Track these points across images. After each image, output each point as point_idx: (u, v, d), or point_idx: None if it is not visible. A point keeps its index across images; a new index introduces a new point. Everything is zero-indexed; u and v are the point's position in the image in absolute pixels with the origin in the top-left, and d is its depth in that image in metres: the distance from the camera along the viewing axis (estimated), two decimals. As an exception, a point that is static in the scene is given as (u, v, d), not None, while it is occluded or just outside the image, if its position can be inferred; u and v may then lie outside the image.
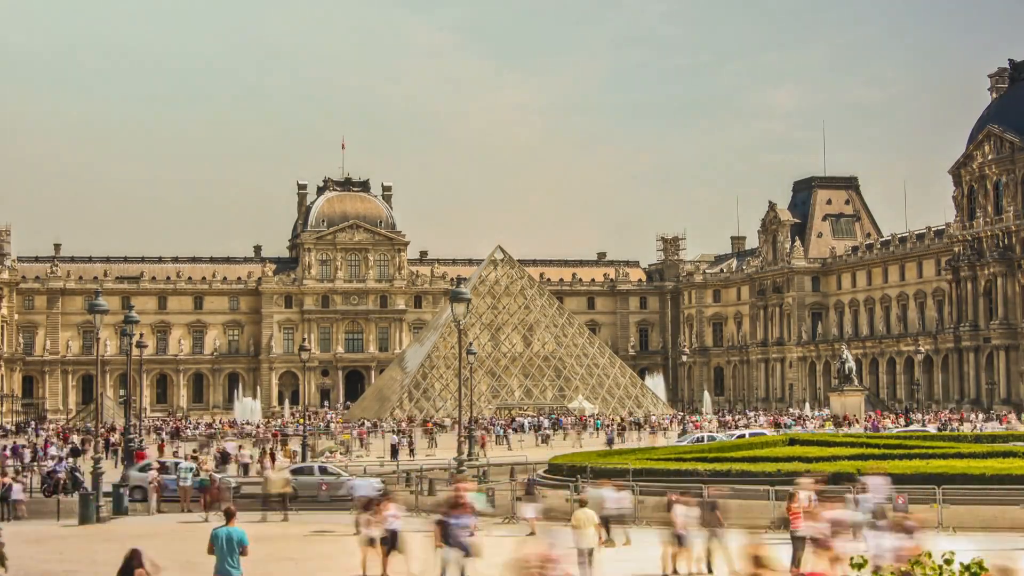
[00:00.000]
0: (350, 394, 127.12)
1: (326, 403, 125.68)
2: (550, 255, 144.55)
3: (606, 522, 23.15)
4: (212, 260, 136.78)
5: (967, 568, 9.62)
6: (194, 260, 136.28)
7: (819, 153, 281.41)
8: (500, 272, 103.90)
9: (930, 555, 10.11)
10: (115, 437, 62.62)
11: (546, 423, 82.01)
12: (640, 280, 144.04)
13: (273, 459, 46.58)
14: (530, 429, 78.81)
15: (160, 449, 57.48)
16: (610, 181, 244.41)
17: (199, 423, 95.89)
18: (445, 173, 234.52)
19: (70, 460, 48.77)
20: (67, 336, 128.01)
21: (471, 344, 75.69)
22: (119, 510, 33.84)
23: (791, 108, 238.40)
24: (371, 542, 21.67)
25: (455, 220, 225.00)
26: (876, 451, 39.58)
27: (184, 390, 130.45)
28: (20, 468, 46.08)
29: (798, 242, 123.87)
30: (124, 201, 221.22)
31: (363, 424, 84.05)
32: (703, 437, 58.93)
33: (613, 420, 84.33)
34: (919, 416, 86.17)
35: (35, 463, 50.20)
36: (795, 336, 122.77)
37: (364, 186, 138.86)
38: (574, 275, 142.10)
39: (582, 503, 21.72)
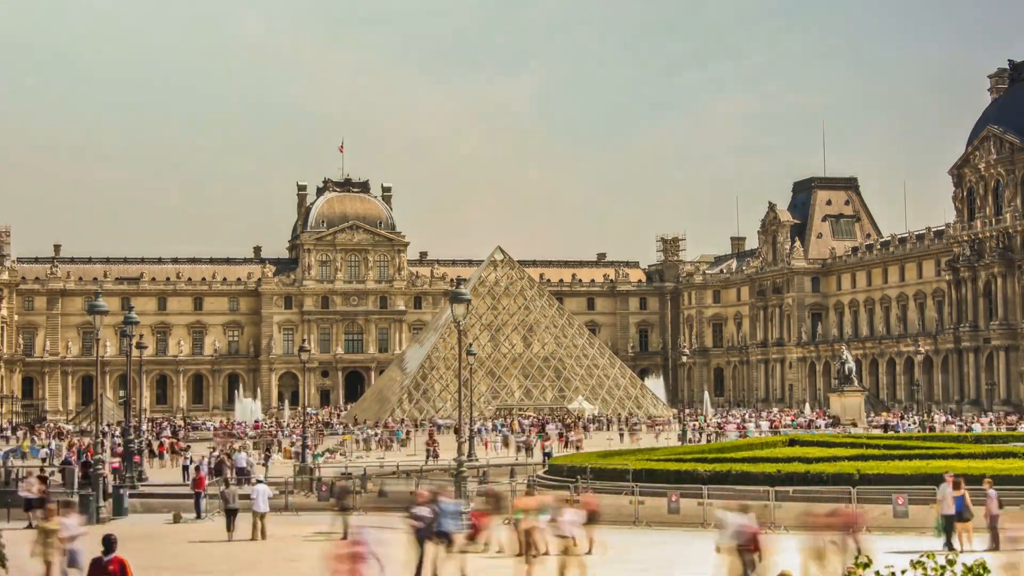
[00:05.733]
0: (350, 395, 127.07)
1: (326, 404, 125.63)
2: (550, 256, 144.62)
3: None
4: (212, 261, 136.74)
5: (969, 569, 9.61)
6: (194, 261, 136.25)
7: (819, 153, 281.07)
8: (500, 273, 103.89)
9: (932, 555, 10.10)
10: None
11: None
12: (640, 281, 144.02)
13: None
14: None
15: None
16: (610, 181, 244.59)
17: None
18: (445, 173, 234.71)
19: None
20: (67, 337, 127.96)
21: (471, 345, 75.53)
22: (119, 511, 33.85)
23: (791, 108, 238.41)
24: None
25: (455, 220, 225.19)
26: (876, 451, 39.47)
27: (184, 391, 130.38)
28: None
29: (798, 243, 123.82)
30: (124, 202, 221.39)
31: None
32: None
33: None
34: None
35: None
36: (795, 337, 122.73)
37: (364, 187, 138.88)
38: (574, 276, 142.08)
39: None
